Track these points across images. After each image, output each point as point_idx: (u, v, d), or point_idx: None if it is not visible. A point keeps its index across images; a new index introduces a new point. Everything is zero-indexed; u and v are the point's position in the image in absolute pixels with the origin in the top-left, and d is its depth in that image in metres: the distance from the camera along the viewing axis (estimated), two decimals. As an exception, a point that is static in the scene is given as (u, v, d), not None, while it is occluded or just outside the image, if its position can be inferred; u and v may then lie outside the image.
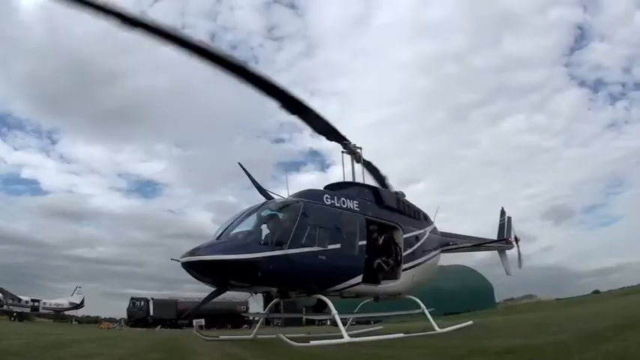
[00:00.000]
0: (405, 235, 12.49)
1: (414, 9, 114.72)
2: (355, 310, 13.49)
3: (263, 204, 10.62)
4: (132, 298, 55.76)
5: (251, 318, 55.54)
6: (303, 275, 10.02)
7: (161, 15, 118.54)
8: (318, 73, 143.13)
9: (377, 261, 11.66)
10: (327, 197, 11.16)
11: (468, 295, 57.69)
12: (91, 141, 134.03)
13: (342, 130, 12.22)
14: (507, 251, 19.28)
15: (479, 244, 17.56)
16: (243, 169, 10.74)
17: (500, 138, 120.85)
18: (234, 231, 9.97)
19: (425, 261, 13.29)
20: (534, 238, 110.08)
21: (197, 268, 9.39)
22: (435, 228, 14.75)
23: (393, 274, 12.02)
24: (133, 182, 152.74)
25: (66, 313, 60.50)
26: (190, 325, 50.33)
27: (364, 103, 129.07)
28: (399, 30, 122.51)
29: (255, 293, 11.32)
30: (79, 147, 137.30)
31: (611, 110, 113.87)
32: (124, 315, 56.38)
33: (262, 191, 10.84)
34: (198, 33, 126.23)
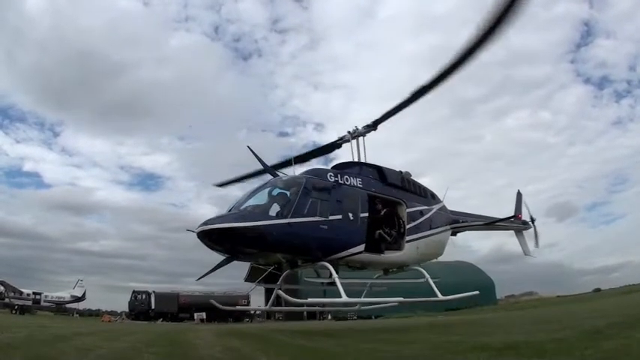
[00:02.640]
0: (408, 210, 13.09)
1: (419, 1, 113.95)
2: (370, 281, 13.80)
3: (269, 181, 11.58)
4: (133, 292, 55.76)
5: (252, 313, 56.08)
6: (305, 242, 10.75)
7: (164, 7, 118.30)
8: (323, 67, 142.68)
9: (378, 232, 12.27)
10: (330, 175, 11.99)
11: (468, 291, 57.58)
12: (93, 134, 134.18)
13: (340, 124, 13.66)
14: (524, 232, 19.13)
15: (491, 223, 17.50)
16: (252, 151, 11.82)
17: (504, 133, 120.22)
18: (244, 205, 10.82)
19: (431, 235, 13.84)
20: (537, 235, 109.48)
21: (210, 237, 10.14)
22: (444, 206, 15.21)
23: (396, 245, 12.59)
24: (136, 175, 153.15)
25: (67, 306, 60.69)
26: (192, 318, 50.53)
27: (368, 96, 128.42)
28: (404, 23, 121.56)
29: (265, 264, 12.15)
30: (82, 140, 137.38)
31: (616, 108, 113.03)
32: (126, 308, 56.45)
33: (270, 171, 11.99)
34: (202, 25, 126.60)
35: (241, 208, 10.82)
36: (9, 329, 15.34)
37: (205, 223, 10.26)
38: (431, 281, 12.91)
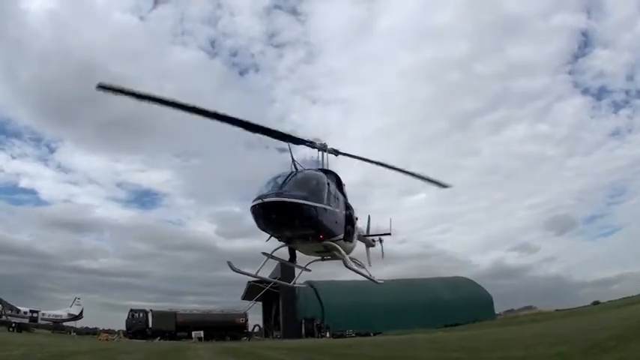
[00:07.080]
0: (354, 213, 16.04)
1: (416, 15, 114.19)
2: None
3: (301, 171, 13.53)
4: (131, 310, 55.36)
5: (250, 331, 55.87)
6: (327, 225, 12.92)
7: (160, 21, 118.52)
8: (320, 81, 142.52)
9: (349, 226, 15.02)
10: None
11: (467, 307, 57.21)
12: (89, 150, 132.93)
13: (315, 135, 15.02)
14: (371, 248, 22.73)
15: (366, 235, 21.25)
16: (289, 147, 13.81)
17: (502, 146, 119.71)
18: (285, 186, 12.34)
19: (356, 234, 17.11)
20: (537, 249, 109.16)
21: (269, 208, 11.52)
22: None
23: (351, 238, 15.44)
24: (133, 192, 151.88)
25: (65, 324, 60.14)
26: (189, 337, 50.15)
27: (366, 110, 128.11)
28: (402, 36, 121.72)
29: (287, 238, 13.45)
30: (78, 156, 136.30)
31: (614, 118, 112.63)
32: (123, 326, 55.99)
33: (295, 164, 13.79)
34: (198, 39, 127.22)
35: (284, 189, 12.27)
36: (6, 347, 15.25)
37: (266, 196, 11.64)
38: (364, 271, 15.58)
